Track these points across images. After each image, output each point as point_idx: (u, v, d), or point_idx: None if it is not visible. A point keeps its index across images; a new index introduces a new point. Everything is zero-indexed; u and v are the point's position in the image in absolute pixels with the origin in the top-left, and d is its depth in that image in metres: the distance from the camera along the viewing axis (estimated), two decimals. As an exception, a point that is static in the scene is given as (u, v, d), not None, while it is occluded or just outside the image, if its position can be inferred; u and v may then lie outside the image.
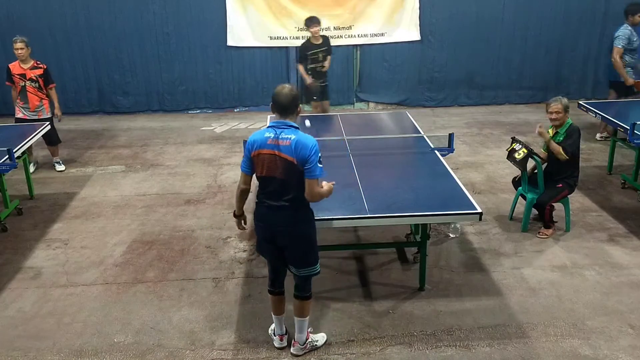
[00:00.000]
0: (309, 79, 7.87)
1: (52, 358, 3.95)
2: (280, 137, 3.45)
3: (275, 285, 3.90)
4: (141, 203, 6.43)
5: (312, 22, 7.74)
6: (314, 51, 7.75)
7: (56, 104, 7.29)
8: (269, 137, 3.48)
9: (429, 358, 3.87)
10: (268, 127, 3.55)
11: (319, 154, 3.45)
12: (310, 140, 3.46)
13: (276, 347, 3.97)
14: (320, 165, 3.46)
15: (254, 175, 3.66)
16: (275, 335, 4.01)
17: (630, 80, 7.73)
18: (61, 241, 5.60)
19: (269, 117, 6.84)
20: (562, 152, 5.24)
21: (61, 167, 7.50)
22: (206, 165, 7.59)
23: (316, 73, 7.85)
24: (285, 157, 3.44)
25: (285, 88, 3.54)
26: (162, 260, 5.18)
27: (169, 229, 5.79)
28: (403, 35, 9.90)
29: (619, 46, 7.72)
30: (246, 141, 3.64)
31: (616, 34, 7.83)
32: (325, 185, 3.62)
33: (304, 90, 8.03)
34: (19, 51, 6.91)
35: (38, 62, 7.11)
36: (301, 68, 7.97)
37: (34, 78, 7.03)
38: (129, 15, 9.65)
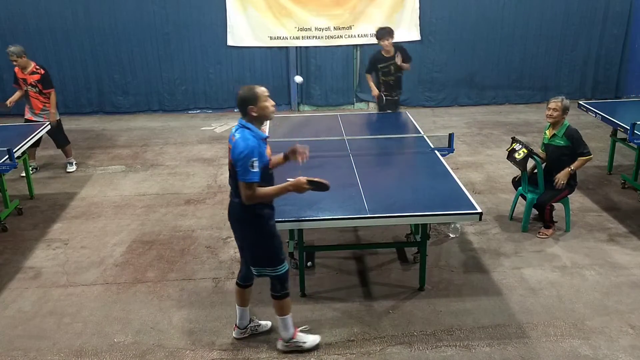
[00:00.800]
0: (374, 91, 7.28)
1: (52, 358, 3.95)
2: (233, 134, 3.58)
3: (239, 278, 3.97)
4: (141, 203, 6.43)
5: (382, 34, 6.97)
6: (385, 64, 7.08)
7: (52, 110, 7.18)
8: (231, 133, 3.62)
9: (429, 358, 3.87)
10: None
11: (253, 159, 3.41)
12: (245, 141, 3.44)
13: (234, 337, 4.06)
14: (254, 170, 3.43)
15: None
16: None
17: None
18: (61, 241, 5.60)
19: (269, 117, 6.88)
20: (587, 159, 5.29)
21: (72, 168, 7.50)
22: (206, 165, 7.59)
23: (389, 86, 7.20)
24: (229, 154, 3.56)
25: (241, 89, 3.61)
26: (162, 260, 5.18)
27: (169, 229, 5.79)
28: (403, 35, 9.88)
29: None
30: None
31: None
32: (292, 180, 3.62)
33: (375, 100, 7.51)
34: (13, 62, 7.01)
35: (37, 67, 7.11)
36: (368, 78, 7.33)
37: (33, 83, 7.06)
38: (129, 15, 9.65)
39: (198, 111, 10.28)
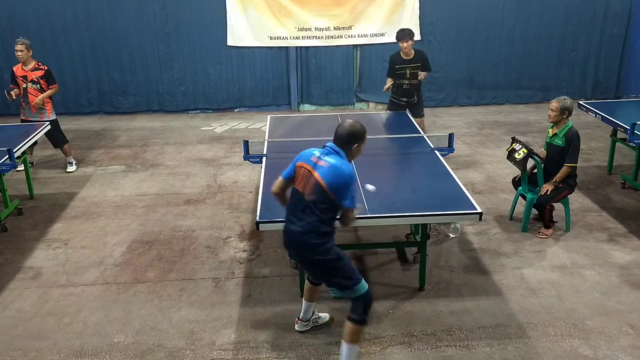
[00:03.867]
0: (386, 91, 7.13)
1: (52, 358, 3.95)
2: (322, 158, 3.48)
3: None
4: (141, 203, 6.43)
5: (401, 36, 6.83)
6: (400, 66, 6.94)
7: (43, 95, 7.07)
8: (314, 154, 3.53)
9: (429, 358, 3.87)
10: (321, 147, 3.60)
11: (353, 186, 3.44)
12: (348, 167, 3.45)
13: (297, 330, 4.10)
14: (356, 195, 3.48)
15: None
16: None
17: None
18: (61, 241, 5.60)
19: (269, 117, 6.89)
20: (569, 167, 5.27)
21: (72, 168, 7.49)
22: (206, 165, 7.59)
23: (402, 90, 7.06)
24: (317, 178, 3.43)
25: (347, 122, 3.56)
26: (162, 260, 5.18)
27: (169, 229, 5.79)
28: (403, 35, 9.90)
29: None
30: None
31: None
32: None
33: (389, 104, 7.38)
34: (18, 53, 6.96)
35: (40, 64, 7.13)
36: (388, 82, 7.07)
37: (35, 79, 7.05)
38: (129, 15, 9.65)
39: (198, 111, 10.28)
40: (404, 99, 7.14)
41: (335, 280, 3.59)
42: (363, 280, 3.57)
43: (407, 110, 7.15)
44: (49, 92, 7.15)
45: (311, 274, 3.89)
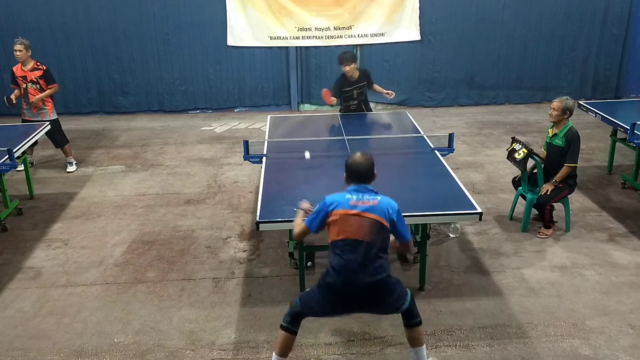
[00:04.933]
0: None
1: (52, 358, 3.95)
2: (363, 199, 3.39)
3: (295, 324, 3.53)
4: (141, 203, 6.43)
5: (341, 60, 6.77)
6: (347, 89, 6.90)
7: (41, 95, 7.08)
8: (351, 198, 3.40)
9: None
10: (348, 190, 3.48)
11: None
12: (394, 202, 3.44)
13: None
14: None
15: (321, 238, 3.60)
16: None
17: None
18: (61, 241, 5.60)
19: (269, 117, 6.89)
20: (569, 167, 5.27)
21: (72, 168, 7.49)
22: (206, 165, 7.59)
23: (350, 109, 7.04)
24: (375, 218, 3.33)
25: (360, 156, 3.48)
26: (162, 260, 5.18)
27: (169, 229, 5.79)
28: (403, 35, 9.90)
29: None
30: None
31: None
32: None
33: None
34: (17, 53, 6.97)
35: (38, 64, 7.13)
36: (333, 99, 6.84)
37: (35, 80, 7.06)
38: (129, 15, 9.64)
39: (198, 111, 10.28)
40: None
41: (399, 304, 3.50)
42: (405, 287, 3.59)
43: None
44: (47, 92, 7.15)
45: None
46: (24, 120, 7.28)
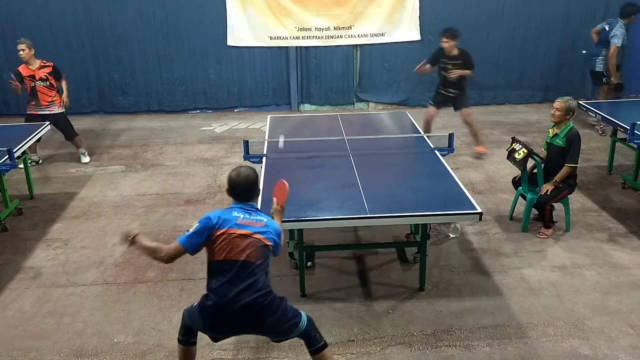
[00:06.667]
0: (420, 69, 7.74)
1: (52, 358, 3.95)
2: (250, 218, 3.26)
3: (190, 335, 3.49)
4: (141, 203, 6.43)
5: (442, 34, 7.46)
6: (444, 60, 7.53)
7: (65, 93, 7.49)
8: (238, 217, 3.25)
9: (429, 358, 3.87)
10: (232, 207, 3.33)
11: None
12: (276, 224, 3.38)
13: None
14: None
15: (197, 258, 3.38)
16: None
17: (616, 79, 8.15)
18: (61, 241, 5.60)
19: (269, 117, 6.88)
20: (569, 167, 5.28)
21: (86, 159, 7.70)
22: (206, 165, 7.59)
23: (445, 81, 7.60)
24: (261, 239, 3.21)
25: (242, 173, 3.33)
26: (162, 260, 5.18)
27: (169, 229, 5.79)
28: (403, 35, 9.90)
29: (618, 45, 7.83)
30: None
31: (613, 33, 7.95)
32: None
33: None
34: (21, 53, 7.08)
35: (45, 61, 7.31)
36: (426, 67, 7.69)
37: (44, 77, 7.23)
38: (129, 15, 9.64)
39: (198, 111, 10.28)
40: (450, 91, 7.61)
41: (289, 326, 3.32)
42: (299, 311, 3.42)
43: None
44: (65, 86, 7.44)
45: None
46: (29, 115, 7.36)
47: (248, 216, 3.26)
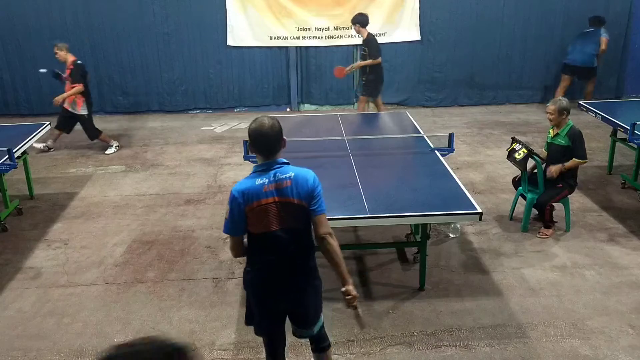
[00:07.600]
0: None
1: (52, 358, 3.95)
2: (277, 180, 2.96)
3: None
4: (141, 203, 6.43)
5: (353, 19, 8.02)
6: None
7: (62, 95, 7.73)
8: (264, 183, 2.96)
9: (429, 358, 3.87)
10: (254, 173, 3.02)
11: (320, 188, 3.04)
12: (308, 171, 3.06)
13: None
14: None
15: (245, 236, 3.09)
16: None
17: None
18: (61, 241, 5.60)
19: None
20: (580, 162, 5.29)
21: (110, 150, 8.13)
22: (206, 165, 7.59)
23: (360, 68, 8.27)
24: (292, 202, 2.96)
25: (266, 123, 2.95)
26: (162, 260, 5.18)
27: (169, 229, 5.79)
28: (403, 35, 9.90)
29: (608, 38, 9.04)
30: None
31: (602, 32, 9.06)
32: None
33: None
34: (56, 56, 7.75)
35: (72, 62, 7.75)
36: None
37: (67, 77, 7.71)
38: (129, 15, 9.64)
39: (198, 111, 10.27)
40: (362, 77, 8.31)
41: (318, 312, 3.25)
42: None
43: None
44: (68, 92, 7.72)
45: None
46: (63, 108, 7.83)
47: (273, 178, 2.96)
